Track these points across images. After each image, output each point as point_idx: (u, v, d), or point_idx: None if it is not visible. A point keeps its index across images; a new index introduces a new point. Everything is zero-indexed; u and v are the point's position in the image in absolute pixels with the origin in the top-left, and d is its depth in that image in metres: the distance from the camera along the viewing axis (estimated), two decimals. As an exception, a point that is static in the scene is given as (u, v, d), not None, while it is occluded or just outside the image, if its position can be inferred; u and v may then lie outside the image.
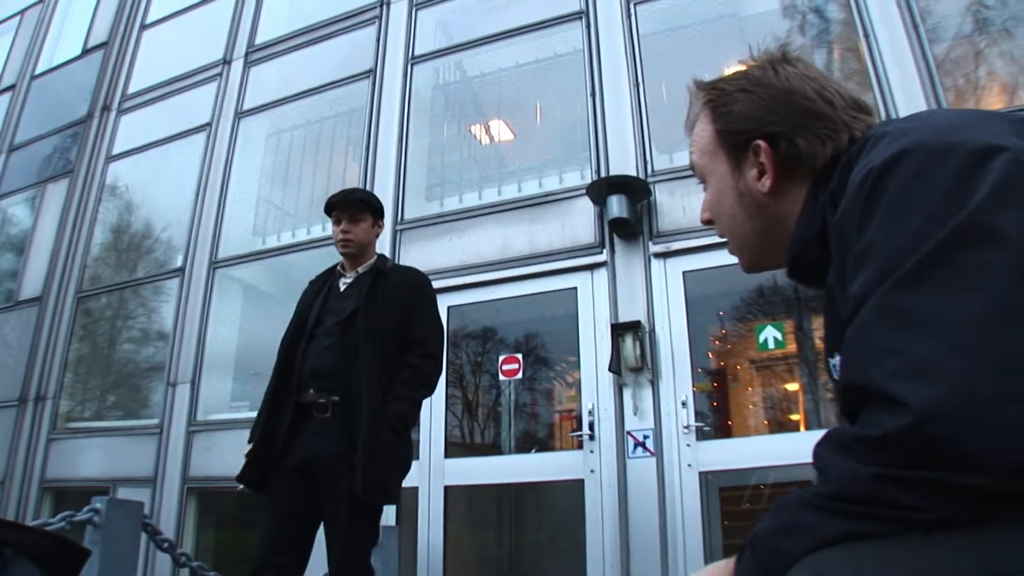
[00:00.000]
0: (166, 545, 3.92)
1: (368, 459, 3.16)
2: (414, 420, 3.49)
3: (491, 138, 7.67)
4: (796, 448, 4.98)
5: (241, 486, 3.37)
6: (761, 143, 1.17)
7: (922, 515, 0.76)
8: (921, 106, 5.38)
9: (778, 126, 1.16)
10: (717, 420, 5.70)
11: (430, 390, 3.56)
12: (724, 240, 1.34)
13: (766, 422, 6.05)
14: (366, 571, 3.32)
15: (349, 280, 3.64)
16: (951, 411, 0.74)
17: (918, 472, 0.76)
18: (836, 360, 1.08)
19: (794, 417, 5.83)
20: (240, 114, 8.28)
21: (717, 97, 1.25)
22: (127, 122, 9.42)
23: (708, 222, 1.35)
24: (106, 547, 3.39)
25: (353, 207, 3.64)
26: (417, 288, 3.66)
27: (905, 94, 5.46)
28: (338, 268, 3.73)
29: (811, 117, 1.15)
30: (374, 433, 3.21)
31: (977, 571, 0.74)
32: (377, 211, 3.74)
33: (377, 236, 3.79)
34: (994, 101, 5.72)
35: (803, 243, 1.16)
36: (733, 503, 5.71)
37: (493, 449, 6.32)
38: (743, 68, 1.26)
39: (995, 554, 0.74)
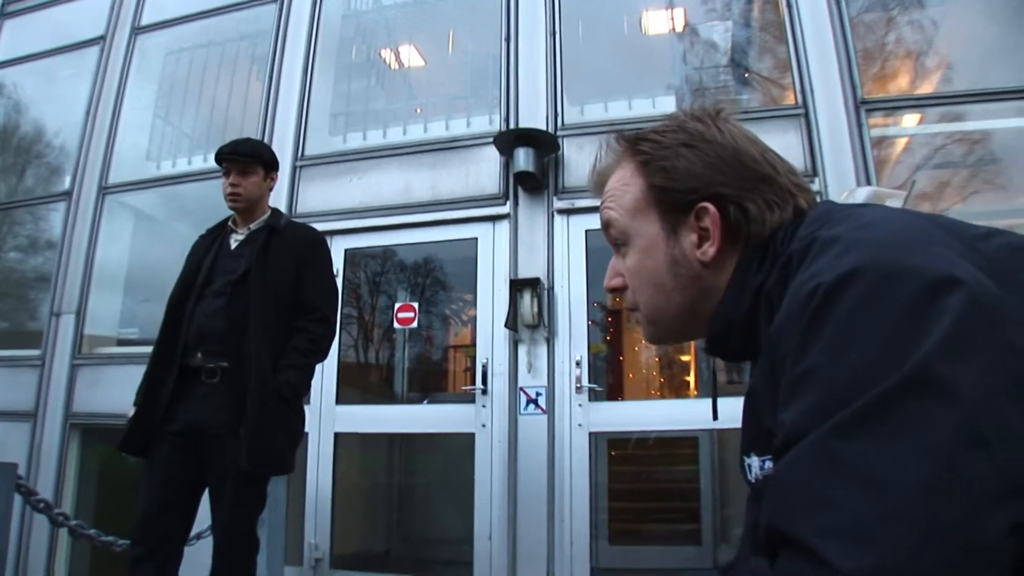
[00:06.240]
0: (42, 506, 3.76)
1: (254, 430, 3.09)
2: (306, 388, 3.44)
3: (400, 69, 7.45)
4: (685, 414, 5.09)
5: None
6: (708, 205, 1.07)
7: None
8: (832, 64, 5.44)
9: (726, 187, 1.07)
10: (610, 382, 5.77)
11: (323, 356, 3.50)
12: (631, 308, 1.21)
13: (657, 388, 6.16)
14: (251, 541, 3.28)
15: (241, 237, 3.51)
16: None
17: None
18: (752, 460, 1.03)
19: (685, 385, 5.96)
20: (137, 30, 7.80)
21: (653, 150, 1.13)
22: (11, 28, 8.76)
23: (615, 289, 1.22)
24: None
25: (243, 159, 3.48)
26: (311, 248, 3.55)
27: (819, 50, 5.51)
28: (230, 223, 3.59)
29: (759, 181, 1.08)
30: (262, 403, 3.14)
31: None
32: (269, 163, 3.59)
33: (270, 189, 3.64)
34: (899, 66, 5.81)
35: (728, 323, 1.08)
36: (619, 447, 5.86)
37: (385, 397, 6.28)
38: (676, 121, 1.15)
39: None
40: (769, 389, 0.91)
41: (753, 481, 1.05)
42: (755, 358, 1.04)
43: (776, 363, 0.88)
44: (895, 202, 3.07)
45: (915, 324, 0.76)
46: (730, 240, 1.08)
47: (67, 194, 7.37)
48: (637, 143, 1.16)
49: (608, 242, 1.22)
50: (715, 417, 1.33)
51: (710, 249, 1.08)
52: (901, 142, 5.79)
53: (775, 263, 1.00)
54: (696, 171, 1.09)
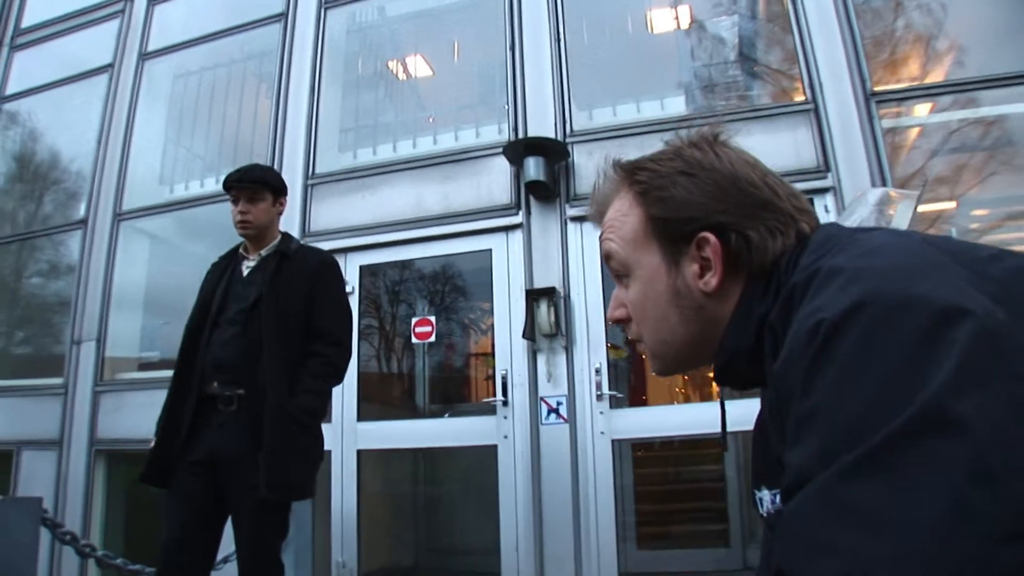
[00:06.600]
0: (68, 538, 3.79)
1: (272, 458, 3.08)
2: (323, 412, 3.41)
3: (406, 82, 7.46)
4: (709, 418, 5.04)
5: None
6: (709, 235, 1.05)
7: None
8: (840, 57, 5.41)
9: (726, 216, 1.05)
10: (631, 388, 5.73)
11: (338, 379, 3.48)
12: (636, 339, 1.19)
13: (681, 387, 6.12)
14: (275, 567, 3.26)
15: (252, 264, 3.51)
16: None
17: None
18: (764, 494, 1.02)
19: (708, 383, 5.91)
20: (144, 55, 7.84)
21: (650, 179, 1.11)
22: (21, 59, 8.85)
23: (619, 321, 1.20)
24: (2, 548, 3.27)
25: (251, 186, 3.48)
26: (322, 272, 3.53)
27: (825, 43, 5.50)
28: (240, 250, 3.59)
29: (760, 207, 1.05)
30: (278, 429, 3.13)
31: None
32: (277, 188, 3.58)
33: (280, 214, 3.63)
34: (907, 54, 5.75)
35: (733, 353, 1.06)
36: (644, 448, 5.82)
37: (406, 413, 6.28)
38: (673, 148, 1.13)
39: None
40: (777, 424, 0.89)
41: (765, 515, 1.04)
42: (764, 385, 1.02)
43: (782, 400, 0.86)
44: (907, 203, 3.04)
45: (922, 359, 0.74)
46: (732, 269, 1.06)
47: (82, 222, 7.43)
48: (634, 172, 1.14)
49: (610, 273, 1.20)
50: (724, 449, 1.32)
51: (712, 279, 1.06)
52: (915, 129, 5.74)
53: (779, 292, 0.98)
54: (695, 200, 1.07)
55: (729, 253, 1.05)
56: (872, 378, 0.75)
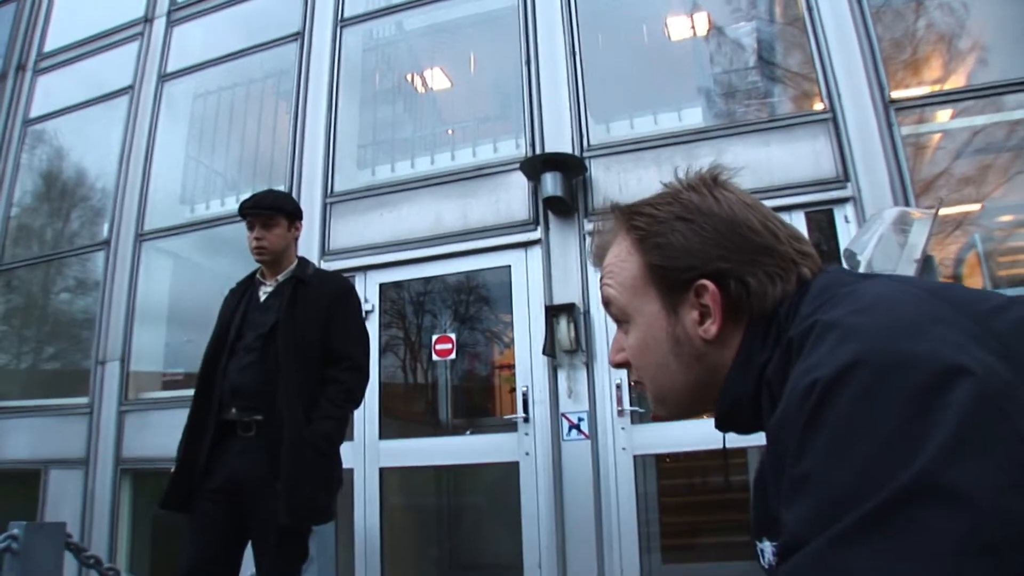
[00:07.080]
0: (92, 561, 3.83)
1: (291, 484, 3.08)
2: (341, 438, 3.39)
3: (422, 99, 7.48)
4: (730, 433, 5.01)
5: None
6: (708, 283, 1.03)
7: None
8: (857, 65, 5.37)
9: (726, 262, 1.03)
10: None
11: (356, 404, 3.47)
12: (638, 383, 1.17)
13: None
14: None
15: (270, 289, 3.50)
16: None
17: None
18: (765, 545, 0.99)
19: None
20: (163, 77, 7.92)
21: (648, 224, 1.09)
22: (44, 83, 8.96)
23: (621, 364, 1.17)
24: (26, 573, 3.30)
25: (265, 212, 3.48)
26: (339, 297, 3.52)
27: (843, 51, 5.47)
28: (258, 276, 3.59)
29: (759, 252, 1.03)
30: (296, 456, 3.12)
31: None
32: (292, 213, 3.57)
33: (296, 239, 3.63)
34: (927, 57, 5.69)
35: (733, 401, 1.04)
36: (672, 459, 5.78)
37: (428, 430, 6.27)
38: (672, 192, 1.11)
39: None
40: (774, 479, 0.87)
41: (767, 567, 1.02)
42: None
43: (778, 457, 0.85)
44: (924, 222, 3.01)
45: (917, 423, 0.71)
46: (732, 316, 1.04)
47: (105, 243, 7.51)
48: (632, 217, 1.12)
49: (613, 318, 1.18)
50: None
51: (711, 327, 1.04)
52: (936, 133, 5.67)
53: (779, 340, 0.97)
54: (693, 247, 1.05)
55: (728, 300, 1.03)
56: (865, 444, 0.73)
